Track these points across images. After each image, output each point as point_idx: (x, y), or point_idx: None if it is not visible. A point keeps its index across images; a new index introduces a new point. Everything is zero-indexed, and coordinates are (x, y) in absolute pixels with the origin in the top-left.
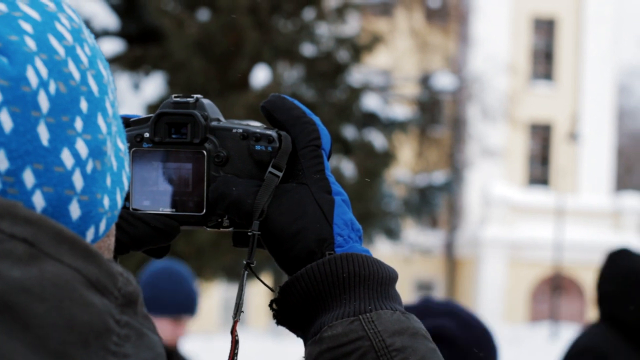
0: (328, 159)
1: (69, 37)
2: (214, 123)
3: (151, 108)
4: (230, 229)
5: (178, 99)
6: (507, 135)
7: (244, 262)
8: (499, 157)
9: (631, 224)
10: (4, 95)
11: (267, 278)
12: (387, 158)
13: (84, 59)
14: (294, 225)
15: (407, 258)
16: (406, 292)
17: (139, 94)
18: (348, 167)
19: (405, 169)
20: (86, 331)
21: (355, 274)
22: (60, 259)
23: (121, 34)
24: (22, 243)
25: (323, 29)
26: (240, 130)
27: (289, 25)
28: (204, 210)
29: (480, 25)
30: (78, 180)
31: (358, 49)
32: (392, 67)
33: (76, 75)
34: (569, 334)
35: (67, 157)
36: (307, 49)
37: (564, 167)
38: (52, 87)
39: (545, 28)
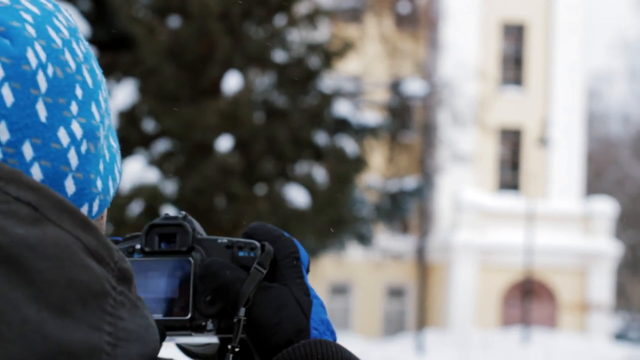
0: (307, 272)
1: (65, 32)
2: (201, 235)
3: (123, 115)
4: (213, 333)
5: (168, 215)
6: (477, 141)
7: (229, 346)
8: (469, 163)
9: (601, 228)
10: (6, 71)
11: None
12: (358, 163)
13: (79, 54)
14: (275, 316)
15: (379, 263)
16: (378, 298)
17: (110, 101)
18: (320, 173)
19: (376, 174)
20: (85, 291)
21: (329, 357)
22: (62, 226)
23: (92, 40)
24: (27, 206)
25: (294, 35)
26: (225, 241)
27: (260, 32)
28: (189, 315)
29: (450, 31)
30: (73, 158)
31: (329, 55)
32: (363, 73)
33: (72, 64)
34: (540, 338)
35: (63, 136)
36: (279, 55)
37: (534, 172)
38: (49, 70)
39: (514, 34)
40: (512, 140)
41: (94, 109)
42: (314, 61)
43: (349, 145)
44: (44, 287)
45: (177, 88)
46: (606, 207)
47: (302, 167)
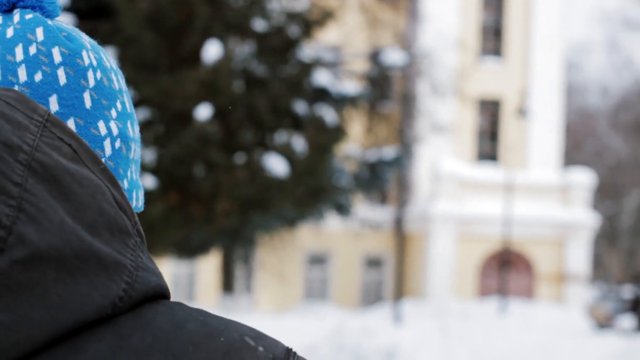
0: None
1: (113, 63)
2: None
3: None
4: None
5: None
6: (457, 111)
7: None
8: (448, 133)
9: (579, 199)
10: (63, 58)
11: (217, 253)
12: (337, 133)
13: (122, 83)
14: None
15: (357, 233)
16: (356, 268)
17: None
18: (299, 142)
19: (355, 144)
20: (112, 223)
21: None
22: (95, 173)
23: (71, 9)
24: (68, 146)
25: (274, 4)
26: None
27: (240, 0)
28: None
29: (430, 2)
30: (108, 147)
31: (309, 25)
32: (342, 43)
33: (115, 84)
34: (517, 308)
35: (102, 127)
36: (258, 24)
37: (512, 143)
38: (98, 75)
39: (494, 4)
40: (491, 111)
41: (129, 125)
42: (293, 30)
43: (328, 114)
44: (80, 207)
45: (156, 57)
46: (584, 178)
47: (281, 137)
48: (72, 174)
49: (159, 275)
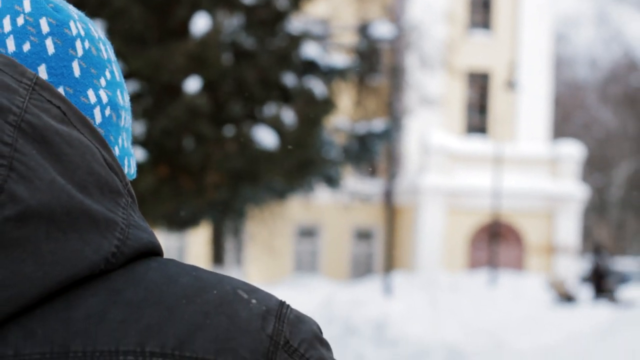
0: None
1: (101, 34)
2: None
3: None
4: None
5: None
6: (445, 84)
7: None
8: (438, 106)
9: (568, 171)
10: (51, 29)
11: (207, 226)
12: (326, 105)
13: (111, 54)
14: None
15: (347, 206)
16: (346, 240)
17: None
18: (288, 115)
19: (344, 117)
20: (103, 182)
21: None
22: (84, 134)
23: None
24: (57, 109)
25: None
26: None
27: None
28: None
29: None
30: (97, 115)
31: None
32: (331, 16)
33: (104, 54)
34: (506, 280)
35: (91, 95)
36: None
37: (502, 116)
38: (86, 44)
39: None
40: (480, 83)
41: (118, 94)
42: (282, 3)
43: (317, 87)
44: (70, 167)
45: (145, 29)
46: (573, 151)
47: (270, 109)
48: (61, 135)
49: (150, 233)
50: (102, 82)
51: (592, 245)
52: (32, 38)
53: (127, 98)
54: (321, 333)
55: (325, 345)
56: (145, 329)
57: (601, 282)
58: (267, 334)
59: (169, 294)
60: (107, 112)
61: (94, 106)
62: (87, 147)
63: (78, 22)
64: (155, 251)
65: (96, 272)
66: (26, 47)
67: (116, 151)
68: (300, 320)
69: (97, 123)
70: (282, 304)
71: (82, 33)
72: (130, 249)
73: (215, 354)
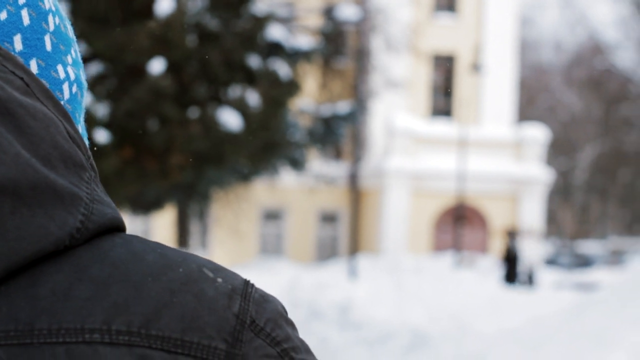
0: None
1: (64, 13)
2: None
3: None
4: None
5: None
6: (411, 67)
7: None
8: (403, 88)
9: (532, 154)
10: (26, 0)
11: (172, 209)
12: (291, 87)
13: (73, 36)
14: None
15: (312, 188)
16: (311, 223)
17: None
18: (253, 97)
19: (309, 99)
20: (67, 156)
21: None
22: (47, 107)
23: None
24: (20, 80)
25: None
26: None
27: None
28: None
29: None
30: (66, 91)
31: None
32: None
33: (70, 33)
34: (471, 263)
35: (60, 70)
36: None
37: (466, 98)
38: (56, 20)
39: None
40: (445, 66)
41: (81, 73)
42: None
43: (282, 69)
44: (34, 140)
45: (108, 10)
46: (538, 134)
47: (235, 91)
48: (25, 107)
49: (114, 208)
50: (69, 59)
51: (506, 231)
52: (9, 7)
53: (85, 81)
54: (286, 312)
55: (291, 324)
56: (111, 306)
57: (513, 266)
58: (234, 313)
59: (135, 271)
60: (74, 89)
61: (62, 82)
62: (50, 119)
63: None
64: (119, 226)
65: (61, 248)
66: (3, 15)
67: (79, 129)
68: (266, 299)
69: (65, 99)
70: (247, 283)
71: (54, 8)
72: (94, 225)
73: (181, 332)
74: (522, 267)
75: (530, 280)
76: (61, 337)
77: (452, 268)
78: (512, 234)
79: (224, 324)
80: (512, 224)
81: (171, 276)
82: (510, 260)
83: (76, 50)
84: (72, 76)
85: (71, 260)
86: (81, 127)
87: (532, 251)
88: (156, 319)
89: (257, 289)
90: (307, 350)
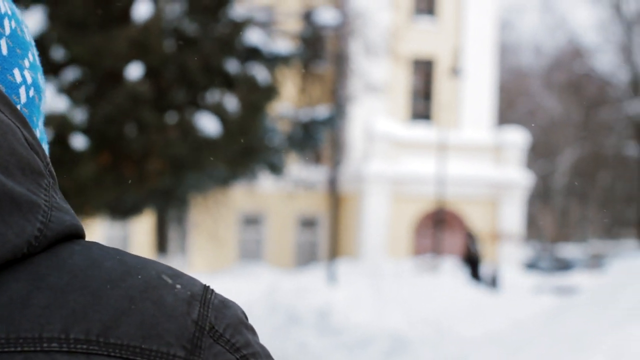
0: None
1: (21, 17)
2: None
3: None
4: None
5: None
6: (390, 71)
7: None
8: (382, 93)
9: (512, 158)
10: None
11: (151, 215)
12: (270, 92)
13: (31, 39)
14: None
15: (291, 193)
16: (290, 228)
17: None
18: (231, 101)
19: (288, 104)
20: (25, 163)
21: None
22: (4, 113)
23: None
24: None
25: None
26: None
27: None
28: None
29: None
30: (23, 95)
31: None
32: (275, 2)
33: (27, 36)
34: (451, 268)
35: (17, 74)
36: None
37: (446, 102)
38: (13, 23)
39: None
40: (424, 70)
41: (39, 77)
42: None
43: (260, 73)
44: None
45: (86, 15)
46: (517, 138)
47: (213, 96)
48: None
49: (73, 215)
50: (26, 63)
51: (466, 233)
52: None
53: (43, 86)
54: (246, 318)
55: (251, 330)
56: (69, 314)
57: (474, 268)
58: (193, 320)
59: (94, 278)
60: (31, 93)
61: (19, 85)
62: (7, 126)
63: (5, 0)
64: (78, 234)
65: (19, 256)
66: None
67: (37, 133)
68: (225, 305)
69: (22, 103)
70: (206, 288)
71: (9, 12)
72: (53, 232)
73: (140, 340)
74: (484, 269)
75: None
76: (19, 346)
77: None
78: (471, 236)
79: (183, 331)
80: (471, 226)
81: (130, 283)
82: (472, 262)
83: (34, 54)
84: (29, 80)
85: (29, 269)
86: (39, 132)
87: (512, 255)
88: (115, 326)
89: (216, 295)
90: (267, 356)
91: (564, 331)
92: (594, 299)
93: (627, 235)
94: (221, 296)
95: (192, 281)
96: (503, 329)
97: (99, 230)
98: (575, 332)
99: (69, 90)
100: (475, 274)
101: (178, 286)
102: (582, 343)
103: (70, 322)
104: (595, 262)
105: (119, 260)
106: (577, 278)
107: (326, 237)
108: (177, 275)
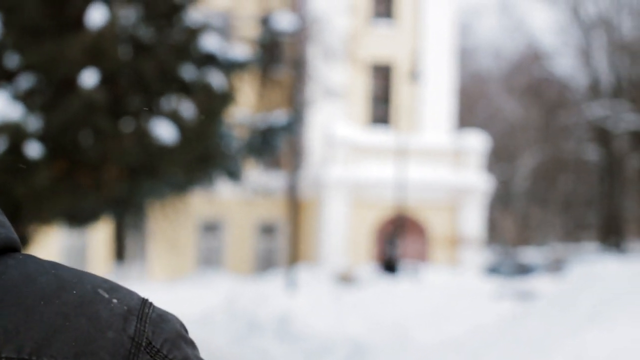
0: None
1: None
2: None
3: None
4: None
5: None
6: (349, 75)
7: None
8: (341, 98)
9: (472, 162)
10: None
11: (108, 223)
12: (226, 98)
13: None
14: None
15: (250, 200)
16: (249, 235)
17: None
18: (187, 108)
19: (246, 109)
20: None
21: None
22: None
23: None
24: None
25: None
26: None
27: None
28: None
29: None
30: None
31: None
32: (232, 8)
33: None
34: (412, 272)
35: None
36: None
37: (405, 107)
38: None
39: None
40: (383, 74)
41: None
42: None
43: (216, 79)
44: None
45: (40, 22)
46: (477, 142)
47: (169, 102)
48: None
49: (8, 228)
50: None
51: (386, 237)
52: None
53: None
54: (186, 332)
55: (190, 343)
56: (2, 332)
57: (391, 269)
58: (129, 335)
59: (27, 294)
60: None
61: None
62: None
63: None
64: (13, 247)
65: None
66: None
67: None
68: (163, 319)
69: None
70: (144, 302)
71: None
72: None
73: (74, 357)
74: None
75: (392, 268)
76: None
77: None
78: (391, 242)
79: (118, 347)
80: (392, 231)
81: (65, 299)
82: (389, 267)
83: None
84: None
85: None
86: None
87: (472, 260)
88: (48, 344)
89: (155, 309)
90: None
91: (524, 336)
92: (553, 304)
93: (588, 239)
94: (160, 310)
95: (130, 295)
96: (463, 335)
97: (56, 239)
98: (534, 336)
99: (23, 98)
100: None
101: (114, 300)
102: (542, 347)
103: (2, 340)
104: (556, 266)
105: (54, 274)
106: (538, 282)
107: (286, 243)
108: (114, 289)
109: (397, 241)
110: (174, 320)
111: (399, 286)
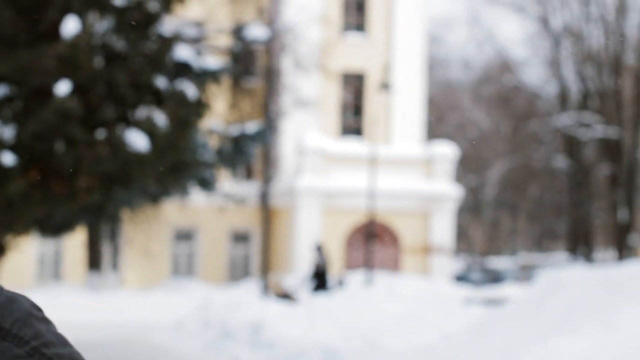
0: None
1: None
2: None
3: None
4: None
5: None
6: (321, 86)
7: None
8: (313, 107)
9: (442, 171)
10: None
11: (82, 231)
12: (199, 108)
13: None
14: None
15: (222, 208)
16: (223, 243)
17: None
18: (160, 117)
19: (219, 119)
20: None
21: None
22: None
23: None
24: None
25: None
26: None
27: None
28: None
29: None
30: None
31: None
32: (205, 18)
33: None
34: (383, 280)
35: None
36: None
37: (376, 117)
38: None
39: None
40: (354, 85)
41: None
42: (153, 5)
43: (189, 89)
44: None
45: (14, 32)
46: (447, 151)
47: (142, 112)
48: None
49: None
50: None
51: (315, 245)
52: None
53: None
54: (38, 309)
55: (43, 319)
56: None
57: (321, 280)
58: None
59: None
60: None
61: None
62: None
63: None
64: None
65: None
66: None
67: None
68: (12, 300)
69: None
70: None
71: None
72: None
73: None
74: (332, 281)
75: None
76: None
77: (363, 286)
78: (319, 249)
79: None
80: (319, 239)
81: None
82: (319, 275)
83: None
84: None
85: None
86: None
87: (442, 268)
88: None
89: (3, 291)
90: (63, 343)
91: (492, 343)
92: (521, 310)
93: (557, 248)
94: (9, 292)
95: None
96: (433, 342)
97: (30, 247)
98: (502, 344)
99: None
100: (323, 285)
101: None
102: (509, 355)
103: None
104: (525, 274)
105: None
106: (507, 290)
107: (259, 251)
108: None
109: (324, 250)
110: (23, 299)
111: (370, 293)
